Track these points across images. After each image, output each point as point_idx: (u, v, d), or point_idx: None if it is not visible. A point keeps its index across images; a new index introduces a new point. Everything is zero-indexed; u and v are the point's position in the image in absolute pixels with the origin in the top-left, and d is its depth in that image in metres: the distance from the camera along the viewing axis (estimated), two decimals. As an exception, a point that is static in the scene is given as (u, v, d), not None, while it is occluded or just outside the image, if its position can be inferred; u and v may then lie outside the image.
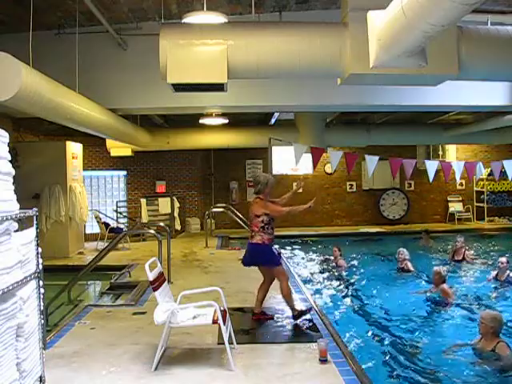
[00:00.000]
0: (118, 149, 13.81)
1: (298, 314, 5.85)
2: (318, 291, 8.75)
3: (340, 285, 9.40)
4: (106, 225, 13.05)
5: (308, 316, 6.01)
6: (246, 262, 6.09)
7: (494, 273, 9.06)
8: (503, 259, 9.09)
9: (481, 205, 16.87)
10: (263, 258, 5.91)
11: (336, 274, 10.23)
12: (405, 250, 10.26)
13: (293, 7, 8.34)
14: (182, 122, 14.21)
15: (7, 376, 3.04)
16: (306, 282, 9.09)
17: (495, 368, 5.37)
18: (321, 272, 10.45)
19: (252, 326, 5.74)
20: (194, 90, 6.34)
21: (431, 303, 7.78)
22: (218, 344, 5.00)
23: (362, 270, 10.45)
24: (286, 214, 6.08)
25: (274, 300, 6.57)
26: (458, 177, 10.32)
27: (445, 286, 7.92)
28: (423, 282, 9.12)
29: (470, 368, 5.40)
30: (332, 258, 11.29)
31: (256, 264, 6.09)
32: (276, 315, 6.04)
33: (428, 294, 8.10)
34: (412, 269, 9.90)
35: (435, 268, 8.22)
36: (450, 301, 7.71)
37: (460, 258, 10.88)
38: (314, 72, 5.90)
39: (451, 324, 6.97)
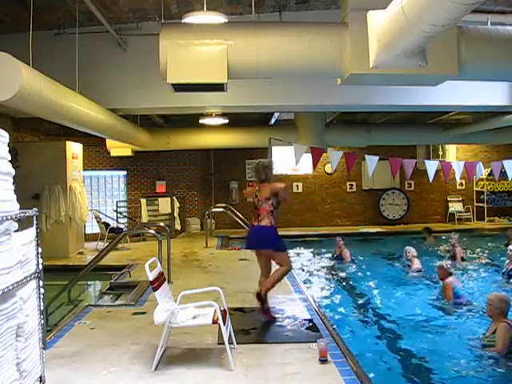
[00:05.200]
0: (117, 149, 13.80)
1: (263, 299, 5.80)
2: (318, 291, 8.75)
3: (340, 284, 9.40)
4: (106, 225, 13.05)
5: (308, 316, 6.01)
6: (253, 244, 5.93)
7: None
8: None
9: (481, 205, 16.88)
10: (271, 242, 5.81)
11: (336, 273, 10.23)
12: (411, 248, 10.26)
13: (293, 7, 8.34)
14: (182, 121, 14.22)
15: (7, 376, 3.04)
16: (306, 281, 9.10)
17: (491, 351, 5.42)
18: (321, 272, 10.45)
19: (252, 326, 5.73)
20: (194, 90, 6.35)
21: (436, 302, 7.77)
22: (218, 344, 5.00)
23: (362, 270, 10.45)
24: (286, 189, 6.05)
25: (276, 300, 6.57)
26: (458, 177, 10.35)
27: (449, 280, 7.75)
28: (429, 282, 9.08)
29: (475, 362, 5.41)
30: (335, 251, 11.36)
31: (263, 247, 5.88)
32: (276, 315, 6.03)
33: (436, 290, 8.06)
34: (419, 265, 9.91)
35: (438, 263, 8.18)
36: (447, 295, 7.68)
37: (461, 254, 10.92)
38: (314, 72, 5.91)
39: (454, 323, 6.95)
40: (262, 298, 5.85)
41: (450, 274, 7.87)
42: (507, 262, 9.03)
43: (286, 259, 5.90)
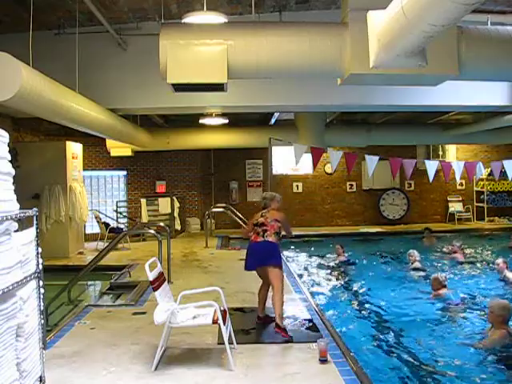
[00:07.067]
0: (118, 149, 13.80)
1: (280, 328, 5.37)
2: (317, 291, 8.75)
3: (340, 284, 9.40)
4: (106, 225, 13.05)
5: (308, 316, 6.01)
6: (258, 261, 5.69)
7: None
8: (499, 260, 9.12)
9: (481, 205, 16.87)
10: (277, 257, 5.68)
11: (336, 273, 10.23)
12: (415, 251, 10.26)
13: (293, 7, 8.34)
14: (182, 121, 14.22)
15: (7, 376, 3.04)
16: (306, 281, 9.09)
17: (492, 356, 5.41)
18: (321, 272, 10.45)
19: (252, 326, 5.73)
20: (194, 90, 6.35)
21: (433, 305, 7.77)
22: (218, 344, 5.00)
23: (362, 270, 10.45)
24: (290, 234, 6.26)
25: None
26: (458, 177, 10.35)
27: (441, 291, 7.87)
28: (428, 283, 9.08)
29: (474, 362, 5.40)
30: (334, 255, 11.40)
31: (268, 262, 5.66)
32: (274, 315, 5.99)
33: (428, 298, 8.08)
34: (420, 266, 9.90)
35: (433, 275, 8.25)
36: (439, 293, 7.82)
37: (461, 259, 10.94)
38: (314, 72, 5.90)
39: (454, 323, 6.97)
40: (282, 327, 5.44)
41: (444, 287, 7.93)
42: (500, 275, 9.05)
43: (280, 277, 5.64)
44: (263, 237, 5.69)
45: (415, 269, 9.90)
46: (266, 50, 5.61)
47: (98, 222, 13.22)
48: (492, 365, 5.36)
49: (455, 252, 11.19)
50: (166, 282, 5.07)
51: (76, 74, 7.47)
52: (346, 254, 11.36)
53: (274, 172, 15.00)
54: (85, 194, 12.18)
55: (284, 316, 5.98)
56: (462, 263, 10.73)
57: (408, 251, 10.40)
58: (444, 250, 11.83)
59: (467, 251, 11.89)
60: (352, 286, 9.32)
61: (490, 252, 12.23)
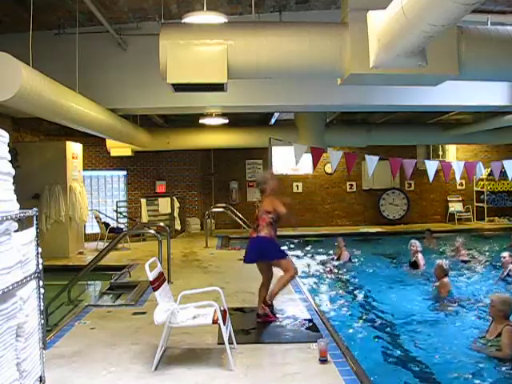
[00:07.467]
0: (118, 149, 13.81)
1: (268, 305, 5.69)
2: (318, 291, 8.75)
3: (340, 284, 9.40)
4: (106, 225, 13.05)
5: (308, 316, 6.01)
6: (251, 258, 5.87)
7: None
8: (505, 254, 9.11)
9: (481, 205, 16.88)
10: (272, 253, 5.76)
11: (336, 273, 10.23)
12: (417, 241, 10.25)
13: (293, 7, 8.34)
14: (182, 121, 14.23)
15: (7, 376, 3.03)
16: (306, 281, 9.08)
17: (497, 356, 5.39)
18: (321, 272, 10.45)
19: (252, 326, 5.73)
20: (194, 90, 6.36)
21: (434, 302, 7.78)
22: (218, 344, 5.00)
23: (362, 270, 10.44)
24: (286, 214, 5.82)
25: (276, 300, 6.55)
26: (458, 177, 10.35)
27: (445, 280, 7.90)
28: (428, 282, 9.08)
29: (474, 362, 5.39)
30: (332, 256, 11.39)
31: (263, 259, 5.84)
32: (276, 315, 6.02)
33: (432, 289, 8.10)
34: (422, 262, 9.89)
35: (438, 261, 8.24)
36: (442, 295, 7.80)
37: (464, 258, 10.95)
38: (314, 72, 5.91)
39: (454, 322, 6.95)
40: (268, 303, 5.71)
41: (446, 275, 7.96)
42: (503, 269, 9.05)
43: (290, 266, 5.82)
44: (257, 232, 5.80)
45: (415, 264, 9.88)
46: (266, 50, 5.61)
47: (98, 222, 13.22)
48: (494, 360, 5.35)
49: (458, 249, 11.16)
50: (166, 282, 5.06)
51: (76, 74, 7.47)
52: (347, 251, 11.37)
53: (274, 172, 14.99)
54: (85, 194, 12.18)
55: (284, 316, 6.01)
56: (465, 262, 10.72)
57: (410, 241, 10.40)
58: (447, 255, 11.79)
59: (467, 251, 11.88)
60: (352, 285, 9.32)
61: (490, 252, 12.22)
